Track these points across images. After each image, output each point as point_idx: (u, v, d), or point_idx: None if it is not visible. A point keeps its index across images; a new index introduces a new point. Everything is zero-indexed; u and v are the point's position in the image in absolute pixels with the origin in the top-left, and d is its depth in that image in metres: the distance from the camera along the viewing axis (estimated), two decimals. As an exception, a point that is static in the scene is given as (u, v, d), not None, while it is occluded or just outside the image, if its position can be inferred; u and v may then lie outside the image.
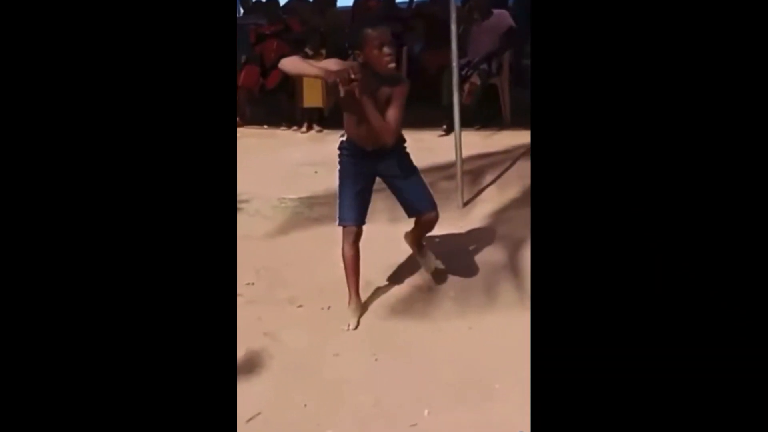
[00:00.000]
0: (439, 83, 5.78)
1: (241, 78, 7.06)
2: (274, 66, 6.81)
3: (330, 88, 6.38)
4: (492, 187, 4.34)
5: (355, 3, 7.45)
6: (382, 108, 2.61)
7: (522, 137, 5.38)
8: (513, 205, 3.96)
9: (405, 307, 2.85)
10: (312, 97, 6.43)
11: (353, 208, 2.80)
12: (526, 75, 5.89)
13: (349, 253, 2.84)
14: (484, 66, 5.90)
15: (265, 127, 6.81)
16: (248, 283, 3.28)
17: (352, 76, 2.48)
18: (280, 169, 5.32)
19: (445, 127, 5.65)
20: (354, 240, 2.83)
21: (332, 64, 2.69)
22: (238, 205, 4.43)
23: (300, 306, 3.04)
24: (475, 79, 5.79)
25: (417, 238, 3.06)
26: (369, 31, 2.61)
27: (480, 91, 5.83)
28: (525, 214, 3.86)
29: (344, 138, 2.84)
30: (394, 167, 2.81)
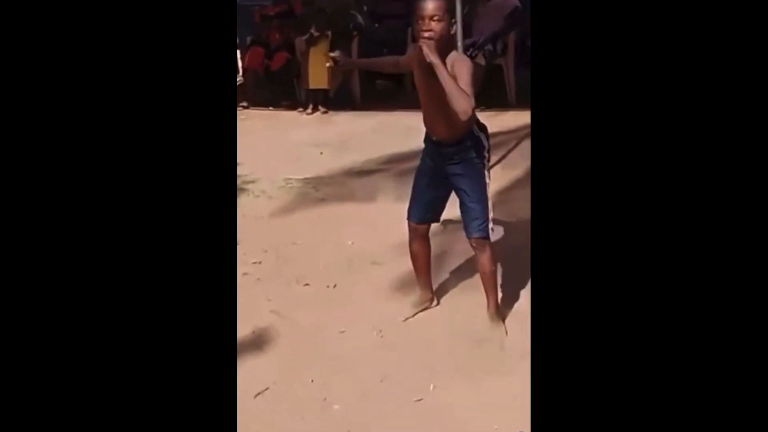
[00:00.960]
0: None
1: (246, 60, 7.06)
2: (279, 47, 6.84)
3: (335, 70, 6.43)
4: (496, 167, 4.35)
5: (359, -17, 7.42)
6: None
7: (526, 118, 5.37)
8: (517, 185, 3.98)
9: (410, 285, 2.87)
10: (317, 79, 6.43)
11: (415, 205, 2.66)
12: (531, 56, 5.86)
13: (413, 249, 2.73)
14: (489, 46, 5.89)
15: (270, 108, 6.82)
16: (255, 262, 3.31)
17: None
18: (286, 150, 5.34)
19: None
20: (415, 237, 2.70)
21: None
22: (244, 186, 4.47)
23: (306, 284, 3.07)
24: (480, 60, 5.78)
25: (482, 276, 2.63)
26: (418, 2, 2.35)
27: (485, 72, 5.83)
28: (526, 194, 3.89)
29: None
30: (459, 171, 2.52)
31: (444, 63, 2.28)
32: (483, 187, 2.50)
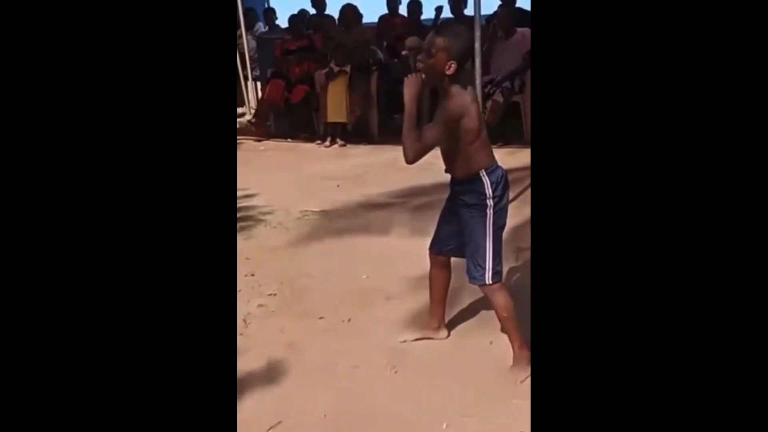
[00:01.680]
0: (462, 100, 5.82)
1: (267, 92, 7.17)
2: (299, 80, 6.94)
3: (353, 104, 6.49)
4: (514, 203, 4.35)
5: (380, 19, 7.53)
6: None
7: (544, 155, 5.39)
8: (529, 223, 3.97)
9: (425, 319, 2.86)
10: (336, 112, 6.50)
11: (436, 235, 2.67)
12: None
13: (430, 276, 2.74)
14: (506, 84, 5.94)
15: (289, 140, 6.89)
16: (270, 294, 3.32)
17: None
18: (303, 182, 5.38)
19: (467, 143, 5.68)
20: (433, 265, 2.71)
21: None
22: (261, 217, 4.50)
23: (321, 318, 3.07)
24: (498, 97, 5.83)
25: (499, 320, 2.55)
26: (434, 37, 2.35)
27: (503, 109, 5.87)
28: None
29: None
30: (463, 211, 2.48)
31: (436, 99, 2.35)
32: (483, 231, 2.43)
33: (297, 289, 3.39)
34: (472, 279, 2.49)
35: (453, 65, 2.28)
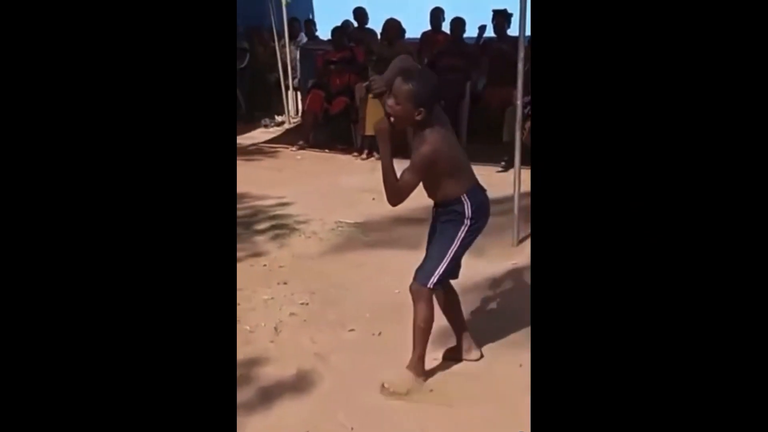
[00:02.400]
0: (501, 120, 5.82)
1: (307, 102, 7.25)
2: (339, 92, 7.00)
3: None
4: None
5: (423, 36, 7.57)
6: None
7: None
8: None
9: (452, 337, 2.86)
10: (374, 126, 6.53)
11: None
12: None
13: (443, 306, 2.75)
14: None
15: (326, 151, 6.94)
16: (302, 303, 3.35)
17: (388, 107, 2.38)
18: (338, 193, 5.42)
19: (503, 163, 5.67)
20: (437, 297, 2.65)
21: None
22: (296, 226, 4.54)
23: (351, 330, 3.08)
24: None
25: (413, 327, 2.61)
26: (399, 71, 2.43)
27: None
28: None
29: None
30: (437, 230, 2.56)
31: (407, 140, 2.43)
32: (448, 245, 2.47)
33: (329, 299, 3.41)
34: (415, 278, 2.53)
35: (422, 112, 2.34)
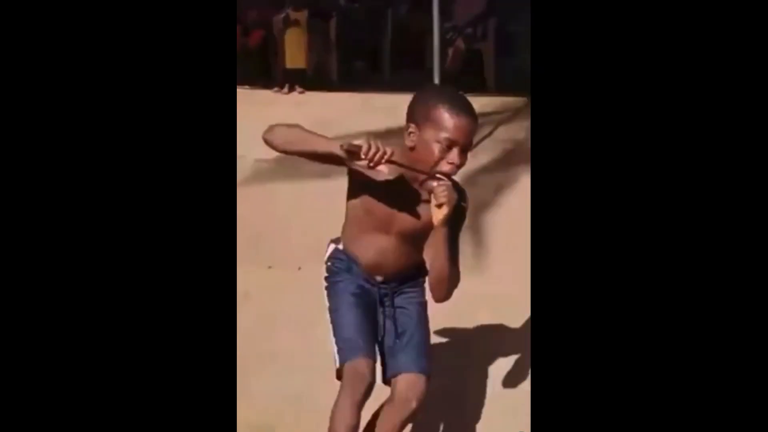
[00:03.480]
0: (424, 46, 5.74)
1: (223, 36, 6.98)
2: (256, 25, 6.75)
3: (312, 50, 6.36)
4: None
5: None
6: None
7: (504, 104, 5.36)
8: (484, 170, 3.96)
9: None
10: (295, 58, 6.36)
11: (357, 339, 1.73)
12: (511, 42, 5.85)
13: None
14: (469, 31, 5.86)
15: (246, 87, 6.73)
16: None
17: (386, 157, 1.59)
18: (260, 129, 5.26)
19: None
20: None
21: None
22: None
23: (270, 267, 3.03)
24: (460, 44, 5.75)
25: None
26: (445, 108, 1.61)
27: (464, 56, 5.80)
28: (493, 180, 3.91)
29: (339, 247, 1.81)
30: (402, 308, 1.79)
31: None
32: (424, 321, 1.82)
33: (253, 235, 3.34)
34: (407, 370, 1.74)
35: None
